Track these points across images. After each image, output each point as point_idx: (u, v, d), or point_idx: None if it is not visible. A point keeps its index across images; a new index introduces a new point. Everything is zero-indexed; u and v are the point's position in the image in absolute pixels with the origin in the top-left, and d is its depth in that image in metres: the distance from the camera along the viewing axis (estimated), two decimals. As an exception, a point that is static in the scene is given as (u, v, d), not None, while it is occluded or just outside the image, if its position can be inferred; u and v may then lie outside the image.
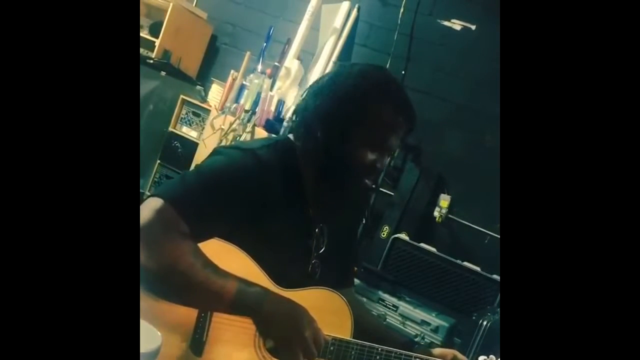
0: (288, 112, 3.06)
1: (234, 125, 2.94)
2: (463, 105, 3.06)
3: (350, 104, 1.20)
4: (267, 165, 1.18)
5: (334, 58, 3.23)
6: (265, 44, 3.22)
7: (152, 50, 3.44)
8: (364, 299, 2.60)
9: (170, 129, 3.27)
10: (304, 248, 1.28)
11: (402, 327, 2.52)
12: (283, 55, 3.24)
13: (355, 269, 2.67)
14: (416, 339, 2.47)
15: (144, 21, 3.65)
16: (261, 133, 2.92)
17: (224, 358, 1.14)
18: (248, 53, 3.22)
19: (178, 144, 3.24)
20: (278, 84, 3.19)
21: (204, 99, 3.37)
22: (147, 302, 1.02)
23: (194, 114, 3.27)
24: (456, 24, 3.14)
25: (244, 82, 3.10)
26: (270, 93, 3.05)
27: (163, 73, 3.36)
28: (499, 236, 2.81)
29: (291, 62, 3.21)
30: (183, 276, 1.05)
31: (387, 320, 2.55)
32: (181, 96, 3.29)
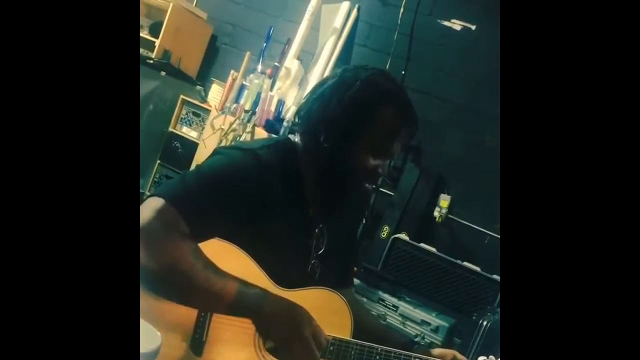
0: (288, 112, 3.06)
1: (234, 126, 2.94)
2: (463, 105, 3.06)
3: (355, 110, 1.19)
4: (268, 166, 1.18)
5: (334, 58, 3.23)
6: (265, 44, 3.22)
7: (152, 51, 3.44)
8: (364, 299, 2.60)
9: (170, 129, 3.27)
10: (304, 248, 1.28)
11: (402, 327, 2.52)
12: (283, 55, 3.24)
13: (355, 269, 2.68)
14: (416, 339, 2.47)
15: (144, 21, 3.65)
16: (261, 133, 2.92)
17: (224, 358, 1.15)
18: (248, 53, 3.22)
19: (178, 144, 3.25)
20: (278, 84, 3.19)
21: (204, 99, 3.37)
22: (147, 302, 1.02)
23: (194, 114, 3.27)
24: (456, 24, 3.14)
25: (244, 82, 3.10)
26: (270, 93, 3.05)
27: (163, 73, 3.36)
28: (499, 236, 2.81)
29: (291, 62, 3.21)
30: (183, 277, 1.05)
31: (387, 320, 2.55)
32: (181, 96, 3.29)
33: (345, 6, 3.28)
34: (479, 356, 1.33)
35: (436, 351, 1.33)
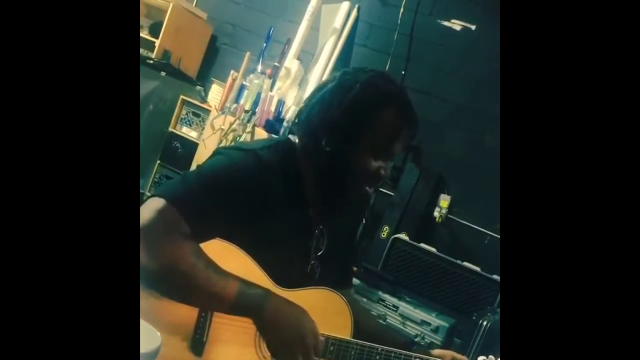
0: (288, 112, 3.06)
1: (234, 126, 2.94)
2: (463, 105, 3.06)
3: (356, 113, 1.19)
4: (268, 166, 1.18)
5: (334, 58, 3.23)
6: (265, 44, 3.22)
7: (152, 51, 3.44)
8: (364, 299, 2.60)
9: (170, 129, 3.27)
10: (304, 249, 1.28)
11: (402, 327, 2.52)
12: (283, 55, 3.24)
13: (355, 269, 2.68)
14: (416, 339, 2.47)
15: (144, 21, 3.64)
16: (261, 133, 2.92)
17: (224, 358, 1.14)
18: (248, 53, 3.21)
19: (178, 144, 3.24)
20: (278, 84, 3.19)
21: (204, 99, 3.36)
22: (147, 302, 1.02)
23: (194, 114, 3.27)
24: (456, 24, 3.14)
25: (244, 83, 3.10)
26: (270, 93, 3.05)
27: (163, 73, 3.36)
28: (499, 236, 2.80)
29: (291, 63, 3.21)
30: (184, 276, 1.05)
31: (387, 320, 2.55)
32: (181, 96, 3.29)
33: (345, 6, 3.28)
34: (479, 356, 1.33)
35: (435, 352, 1.33)
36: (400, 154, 1.31)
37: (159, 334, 0.87)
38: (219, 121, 3.03)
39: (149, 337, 0.84)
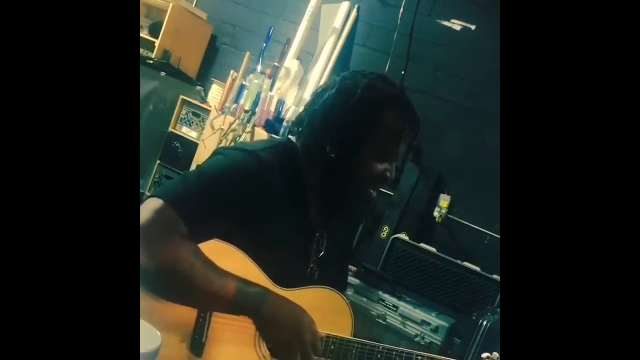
0: (288, 113, 3.06)
1: (234, 126, 2.94)
2: (463, 105, 3.06)
3: (360, 118, 1.19)
4: (269, 168, 1.18)
5: (334, 58, 3.23)
6: (265, 45, 3.22)
7: (152, 51, 3.44)
8: (364, 299, 2.60)
9: (170, 129, 3.27)
10: (304, 252, 1.28)
11: (402, 327, 2.52)
12: (283, 55, 3.24)
13: (355, 269, 2.68)
14: (416, 339, 2.47)
15: (144, 22, 3.65)
16: (261, 133, 2.92)
17: (224, 358, 1.14)
18: (248, 53, 3.22)
19: (178, 145, 3.24)
20: (278, 84, 3.19)
21: (204, 100, 3.37)
22: (147, 303, 1.02)
23: (194, 114, 3.27)
24: (456, 24, 3.14)
25: (244, 83, 3.10)
26: (270, 93, 3.05)
27: (163, 73, 3.36)
28: (499, 236, 2.81)
29: (291, 63, 3.21)
30: (183, 276, 1.05)
31: (387, 320, 2.55)
32: (181, 96, 3.29)
33: (345, 6, 3.28)
34: (479, 356, 1.33)
35: None
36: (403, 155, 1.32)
37: (159, 334, 0.87)
38: (219, 121, 3.03)
39: (149, 337, 0.84)
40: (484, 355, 1.31)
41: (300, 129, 1.27)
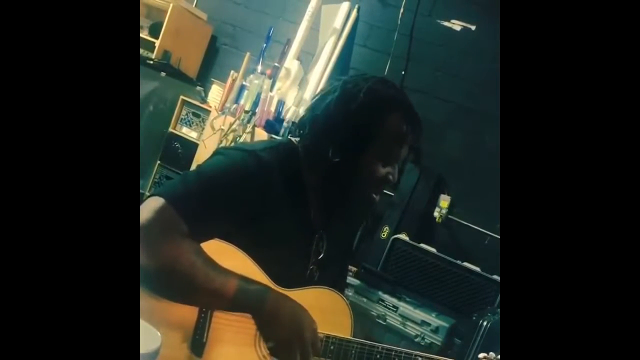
0: (288, 113, 3.06)
1: (234, 126, 2.94)
2: (463, 105, 3.06)
3: (362, 122, 1.19)
4: (269, 168, 1.18)
5: (334, 58, 3.23)
6: (265, 45, 3.22)
7: (152, 51, 3.44)
8: (364, 299, 2.60)
9: (170, 129, 3.27)
10: (304, 252, 1.28)
11: (402, 328, 2.52)
12: (283, 55, 3.24)
13: (355, 269, 2.68)
14: (416, 340, 2.47)
15: (144, 22, 3.65)
16: (261, 133, 2.92)
17: (225, 358, 1.14)
18: (248, 54, 3.22)
19: (178, 145, 3.25)
20: (278, 84, 3.19)
21: (204, 100, 3.37)
22: (147, 303, 1.02)
23: (194, 114, 3.27)
24: (456, 24, 3.14)
25: (244, 83, 3.10)
26: (270, 94, 3.05)
27: (163, 74, 3.36)
28: (499, 236, 2.80)
29: (291, 63, 3.21)
30: (184, 275, 1.05)
31: (387, 320, 2.55)
32: (181, 97, 3.29)
33: (345, 6, 3.28)
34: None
35: None
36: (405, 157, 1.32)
37: (159, 334, 0.87)
38: (219, 121, 3.03)
39: (149, 337, 0.84)
40: (481, 355, 1.31)
41: (302, 132, 1.27)
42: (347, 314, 1.25)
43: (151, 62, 3.38)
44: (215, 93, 3.33)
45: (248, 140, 2.90)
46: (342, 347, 1.19)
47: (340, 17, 3.28)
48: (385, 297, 2.60)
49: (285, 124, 2.97)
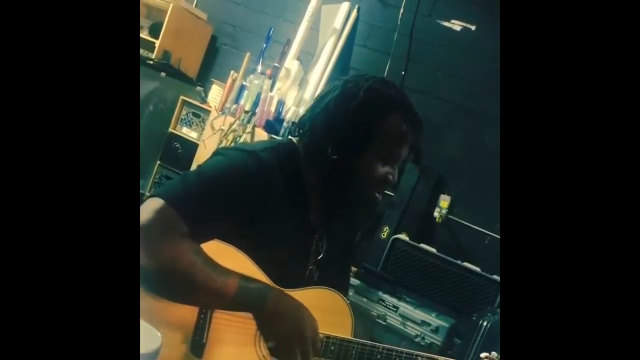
0: (288, 113, 3.06)
1: (234, 126, 2.94)
2: (463, 105, 3.06)
3: (362, 121, 1.19)
4: (269, 168, 1.18)
5: (334, 59, 3.23)
6: (265, 45, 3.22)
7: (152, 51, 3.44)
8: (364, 299, 2.60)
9: (170, 129, 3.27)
10: (303, 253, 1.28)
11: (402, 328, 2.52)
12: (283, 56, 3.24)
13: (355, 269, 2.68)
14: (416, 340, 2.47)
15: (144, 22, 3.65)
16: (261, 134, 2.92)
17: (225, 359, 1.14)
18: (248, 54, 3.22)
19: (178, 145, 3.25)
20: (278, 84, 3.20)
21: (204, 100, 3.37)
22: (147, 303, 1.02)
23: (194, 114, 3.27)
24: (456, 25, 3.14)
25: (244, 83, 3.10)
26: (270, 94, 3.05)
27: (163, 74, 3.36)
28: (499, 236, 2.81)
29: (291, 63, 3.21)
30: (184, 274, 1.05)
31: (387, 320, 2.55)
32: (181, 97, 3.29)
33: (345, 7, 3.28)
34: (479, 356, 1.33)
35: None
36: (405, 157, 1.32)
37: (159, 334, 0.87)
38: (219, 122, 3.03)
39: (149, 337, 0.84)
40: (483, 354, 1.31)
41: (302, 131, 1.27)
42: (347, 314, 1.24)
43: (151, 62, 3.38)
44: (215, 93, 3.33)
45: (248, 140, 2.91)
46: (343, 347, 1.19)
47: (340, 17, 3.28)
48: (386, 297, 2.60)
49: (285, 124, 2.97)
